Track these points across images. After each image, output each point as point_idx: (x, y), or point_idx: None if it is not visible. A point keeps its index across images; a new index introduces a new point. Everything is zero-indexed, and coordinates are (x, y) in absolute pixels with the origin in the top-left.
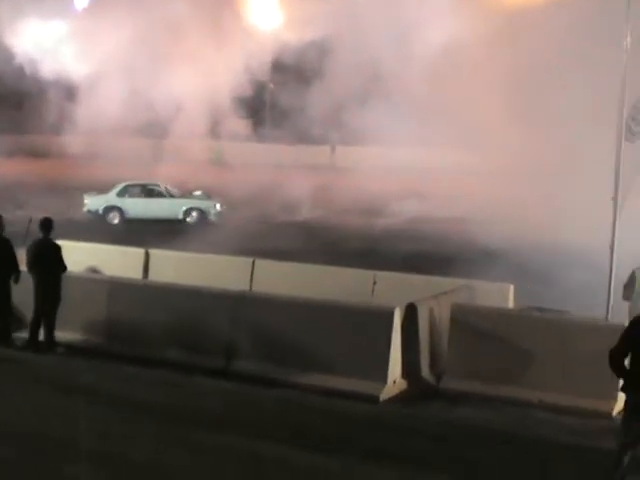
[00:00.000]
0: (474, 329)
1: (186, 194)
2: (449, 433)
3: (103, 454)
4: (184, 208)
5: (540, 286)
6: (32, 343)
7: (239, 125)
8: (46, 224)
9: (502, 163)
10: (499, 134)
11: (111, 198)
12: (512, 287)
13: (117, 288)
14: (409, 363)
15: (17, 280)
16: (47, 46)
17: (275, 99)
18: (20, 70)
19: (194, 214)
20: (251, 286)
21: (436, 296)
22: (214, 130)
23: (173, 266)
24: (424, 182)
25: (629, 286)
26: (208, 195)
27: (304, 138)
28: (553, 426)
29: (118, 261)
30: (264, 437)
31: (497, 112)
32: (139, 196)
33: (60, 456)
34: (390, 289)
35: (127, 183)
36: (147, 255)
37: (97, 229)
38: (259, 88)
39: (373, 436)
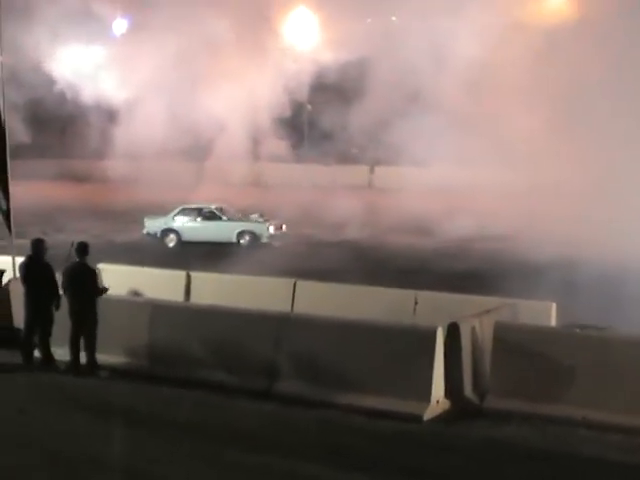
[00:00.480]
0: (517, 347)
1: (242, 216)
2: (492, 452)
3: (141, 476)
4: (237, 231)
5: (591, 302)
6: (74, 367)
7: (278, 146)
8: (82, 248)
9: (545, 180)
10: (542, 151)
11: (168, 221)
12: (554, 305)
13: (158, 310)
14: (452, 382)
15: (58, 306)
16: (87, 71)
17: (313, 119)
18: (61, 95)
19: (247, 237)
20: (292, 307)
21: (479, 315)
22: (254, 151)
23: (214, 288)
24: (469, 200)
25: None
26: (265, 217)
27: (342, 158)
28: (597, 444)
29: (160, 284)
30: (303, 457)
31: (539, 129)
32: (195, 219)
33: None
34: (432, 309)
35: (184, 206)
36: (189, 277)
37: (145, 251)
38: (297, 108)
39: (415, 455)
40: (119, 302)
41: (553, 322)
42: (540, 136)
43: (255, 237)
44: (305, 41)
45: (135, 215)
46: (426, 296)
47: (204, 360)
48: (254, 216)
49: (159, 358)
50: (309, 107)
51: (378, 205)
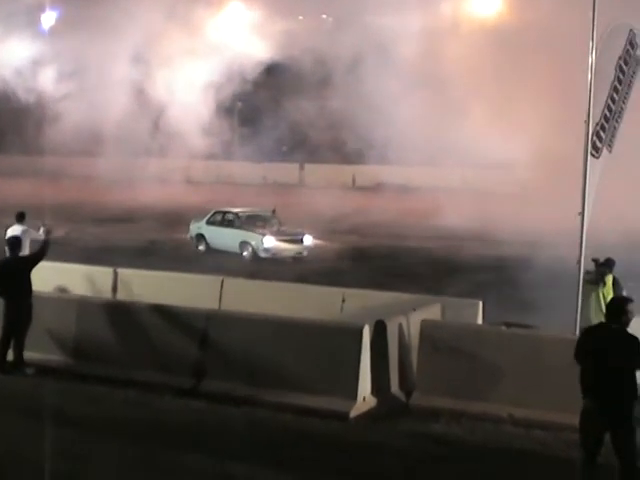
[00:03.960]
0: (443, 345)
1: (245, 222)
2: (419, 449)
3: (67, 475)
4: (239, 241)
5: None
6: (0, 364)
7: (208, 144)
8: (13, 243)
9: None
10: (483, 151)
11: (202, 225)
12: (481, 303)
13: (85, 307)
14: (379, 380)
15: None
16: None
17: (244, 117)
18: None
19: (249, 248)
20: (220, 304)
21: (405, 313)
22: (185, 149)
23: (142, 285)
24: (409, 199)
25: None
26: (278, 228)
27: (273, 156)
28: (524, 440)
29: (87, 281)
30: (232, 456)
31: (474, 129)
32: (219, 225)
33: (23, 478)
34: (359, 306)
35: (217, 209)
36: (115, 274)
37: (71, 247)
38: (228, 106)
39: (342, 453)
40: (46, 299)
41: (480, 320)
42: (477, 135)
43: (252, 249)
44: (237, 38)
45: (60, 212)
46: (353, 294)
47: (131, 358)
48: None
49: (86, 356)
50: (239, 104)
51: (309, 203)
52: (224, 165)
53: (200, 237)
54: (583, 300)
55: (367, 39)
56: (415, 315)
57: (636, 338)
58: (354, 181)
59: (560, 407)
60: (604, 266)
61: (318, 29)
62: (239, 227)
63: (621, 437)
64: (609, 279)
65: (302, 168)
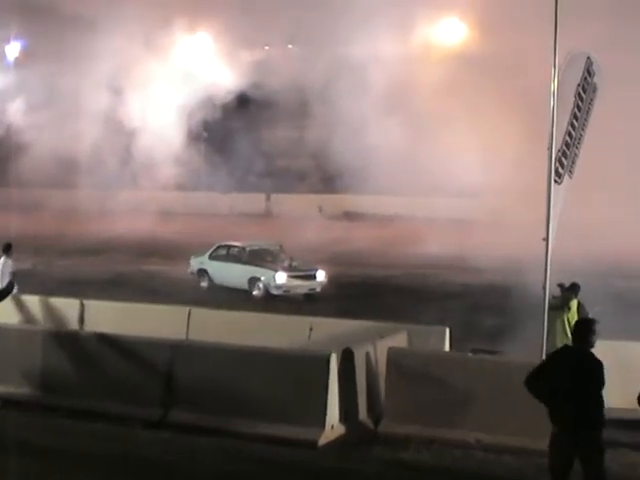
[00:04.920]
0: (410, 372)
1: (253, 257)
2: (388, 476)
3: None
4: (248, 277)
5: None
6: None
7: (176, 174)
8: None
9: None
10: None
11: (204, 260)
12: (448, 330)
13: (51, 339)
14: (347, 407)
15: None
16: None
17: (211, 147)
18: None
19: (259, 285)
20: (187, 335)
21: (372, 341)
22: (153, 179)
23: (109, 316)
24: (376, 227)
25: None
26: (290, 263)
27: (240, 186)
28: (493, 465)
29: (53, 313)
30: None
31: (444, 154)
32: (223, 259)
33: None
34: (326, 335)
35: (220, 243)
36: (82, 306)
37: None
38: (194, 136)
39: None
40: (11, 331)
41: (447, 347)
42: (446, 163)
43: (263, 285)
44: (204, 69)
45: (29, 244)
46: (321, 322)
47: (98, 389)
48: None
49: (53, 388)
50: (205, 134)
51: (275, 233)
52: (192, 196)
53: (202, 273)
54: (549, 325)
55: (336, 68)
56: (382, 343)
57: (600, 362)
58: (321, 210)
59: (529, 432)
60: (569, 291)
61: (285, 59)
62: (247, 262)
63: (590, 461)
64: (574, 304)
65: (268, 198)
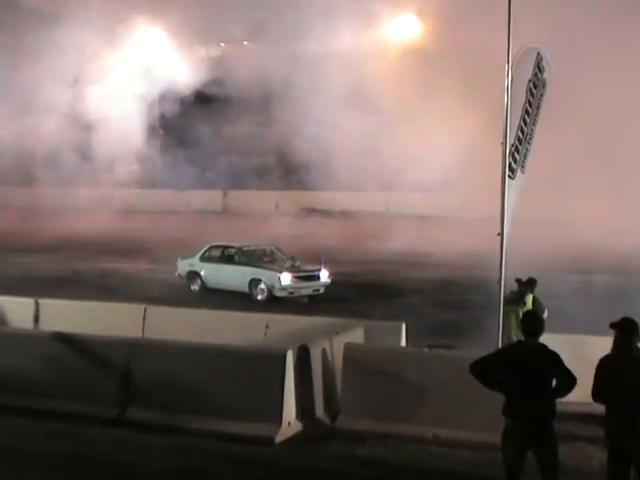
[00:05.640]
0: (367, 368)
1: (251, 258)
2: (346, 473)
3: None
4: (249, 278)
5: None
6: None
7: (131, 171)
8: None
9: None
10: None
11: (195, 262)
12: (404, 325)
13: (4, 338)
14: (303, 404)
15: None
16: None
17: (167, 143)
18: None
19: (261, 286)
20: (143, 333)
21: (329, 337)
22: (108, 177)
23: (64, 315)
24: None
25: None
26: (293, 262)
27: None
28: (449, 460)
29: (8, 311)
30: None
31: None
32: (217, 261)
33: None
34: (283, 332)
35: (212, 244)
36: (37, 304)
37: None
38: (150, 133)
39: (268, 478)
40: None
41: (403, 342)
42: (402, 158)
43: (267, 287)
44: (161, 65)
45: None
46: (277, 319)
47: (54, 388)
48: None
49: (8, 387)
50: (161, 132)
51: (232, 230)
52: (149, 193)
53: (193, 275)
54: (504, 320)
55: (294, 64)
56: (338, 339)
57: (556, 353)
58: (277, 207)
59: (485, 427)
60: (526, 286)
61: (241, 55)
62: (246, 263)
63: (543, 454)
64: (529, 299)
65: (225, 195)
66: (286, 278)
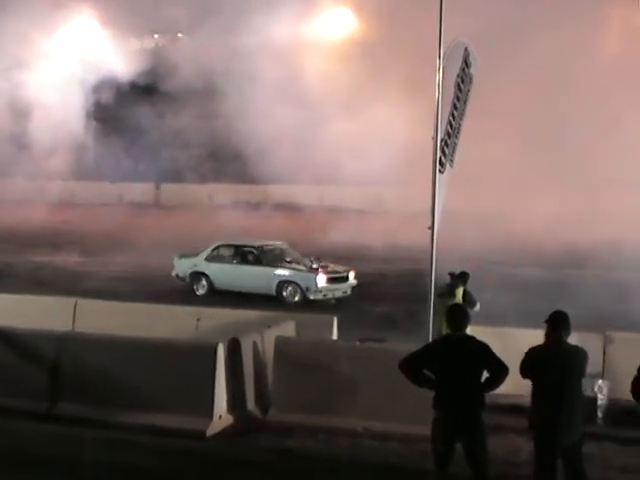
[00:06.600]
0: (298, 361)
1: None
2: (276, 465)
3: None
4: (277, 281)
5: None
6: None
7: (63, 163)
8: None
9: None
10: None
11: (199, 262)
12: (335, 319)
13: None
14: (235, 397)
15: None
16: None
17: (100, 136)
18: None
19: (290, 289)
20: (74, 326)
21: (260, 330)
22: (38, 168)
23: None
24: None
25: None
26: (319, 262)
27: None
28: (380, 453)
29: None
30: (83, 477)
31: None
32: (230, 261)
33: None
34: (214, 325)
35: (220, 243)
36: None
37: None
38: (83, 124)
39: (199, 471)
40: None
41: (335, 336)
42: (336, 151)
43: (300, 290)
44: (95, 57)
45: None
46: (208, 313)
47: None
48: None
49: None
50: (95, 123)
51: (165, 223)
52: (82, 185)
53: (198, 277)
54: (435, 313)
55: (228, 57)
56: (270, 332)
57: (485, 344)
58: (211, 199)
59: (415, 419)
60: (458, 279)
61: (175, 47)
62: (269, 264)
63: (472, 446)
64: (459, 292)
65: (158, 187)
66: (322, 280)
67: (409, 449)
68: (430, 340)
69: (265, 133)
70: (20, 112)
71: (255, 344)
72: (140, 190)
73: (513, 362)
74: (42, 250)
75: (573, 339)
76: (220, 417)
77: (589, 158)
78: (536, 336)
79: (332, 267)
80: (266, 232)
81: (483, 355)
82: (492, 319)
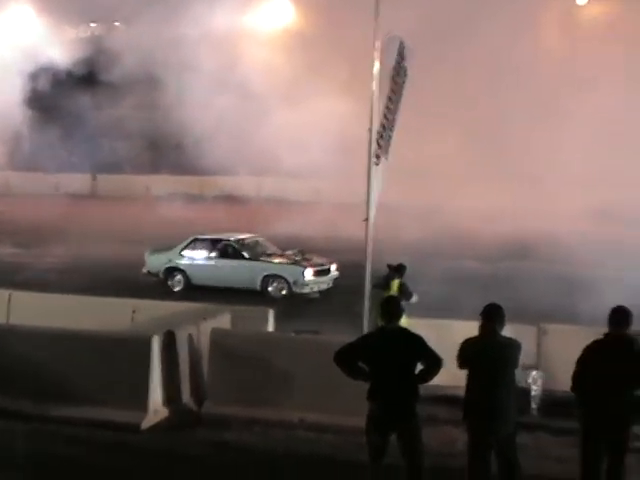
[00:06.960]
0: (233, 353)
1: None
2: (210, 457)
3: None
4: (262, 275)
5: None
6: None
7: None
8: None
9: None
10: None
11: (174, 257)
12: (272, 311)
13: None
14: (170, 390)
15: None
16: None
17: (35, 125)
18: None
19: (275, 283)
20: (8, 319)
21: (196, 322)
22: None
23: None
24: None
25: None
26: (304, 256)
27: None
28: (315, 444)
29: None
30: (10, 469)
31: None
32: (209, 255)
33: None
34: (150, 317)
35: (196, 236)
36: None
37: None
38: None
39: (134, 465)
40: None
41: (271, 328)
42: (274, 143)
43: (287, 284)
44: (28, 44)
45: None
46: (144, 305)
47: None
48: (288, 253)
49: None
50: (30, 112)
51: (101, 214)
52: (18, 175)
53: (173, 272)
54: (371, 305)
55: (165, 46)
56: (205, 324)
57: (418, 336)
58: (148, 190)
59: (350, 411)
60: (395, 271)
61: (112, 36)
62: (252, 258)
63: (406, 437)
64: (395, 284)
65: (94, 178)
66: (309, 273)
67: (344, 440)
68: (365, 332)
69: (204, 124)
70: None
71: (190, 336)
72: (77, 181)
73: (449, 354)
74: None
75: (507, 331)
76: (155, 410)
77: (527, 151)
78: (471, 328)
79: (315, 259)
80: (207, 223)
81: (416, 347)
82: (429, 311)
